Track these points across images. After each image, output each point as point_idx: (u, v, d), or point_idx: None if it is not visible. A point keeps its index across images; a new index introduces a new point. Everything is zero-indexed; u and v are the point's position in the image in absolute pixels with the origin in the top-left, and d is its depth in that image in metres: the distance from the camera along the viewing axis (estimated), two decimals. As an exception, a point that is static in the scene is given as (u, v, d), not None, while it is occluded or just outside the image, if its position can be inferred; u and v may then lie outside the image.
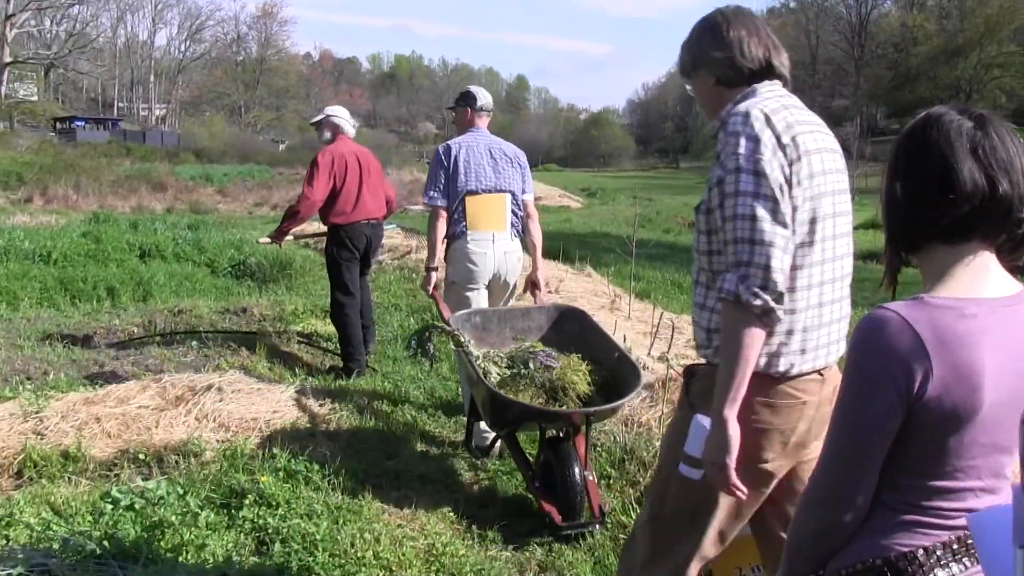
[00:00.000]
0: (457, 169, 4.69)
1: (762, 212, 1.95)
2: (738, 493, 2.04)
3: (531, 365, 3.93)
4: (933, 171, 1.47)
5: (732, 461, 2.00)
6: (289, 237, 6.75)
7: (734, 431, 1.99)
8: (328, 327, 7.16)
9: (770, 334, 2.02)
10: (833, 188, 2.12)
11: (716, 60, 2.20)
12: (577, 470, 3.70)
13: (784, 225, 1.96)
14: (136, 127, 73.01)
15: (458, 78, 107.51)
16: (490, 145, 4.84)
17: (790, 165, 2.00)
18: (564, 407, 3.75)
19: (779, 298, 1.96)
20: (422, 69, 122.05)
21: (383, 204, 6.50)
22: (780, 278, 1.95)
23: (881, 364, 1.40)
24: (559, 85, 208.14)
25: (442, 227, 4.73)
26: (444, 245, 4.84)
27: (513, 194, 4.82)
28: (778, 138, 2.01)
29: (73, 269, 9.68)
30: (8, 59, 65.69)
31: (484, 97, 4.97)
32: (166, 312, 8.21)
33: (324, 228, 6.44)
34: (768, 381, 2.08)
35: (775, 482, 2.18)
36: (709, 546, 2.20)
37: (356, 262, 6.31)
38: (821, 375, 2.14)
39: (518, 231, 4.86)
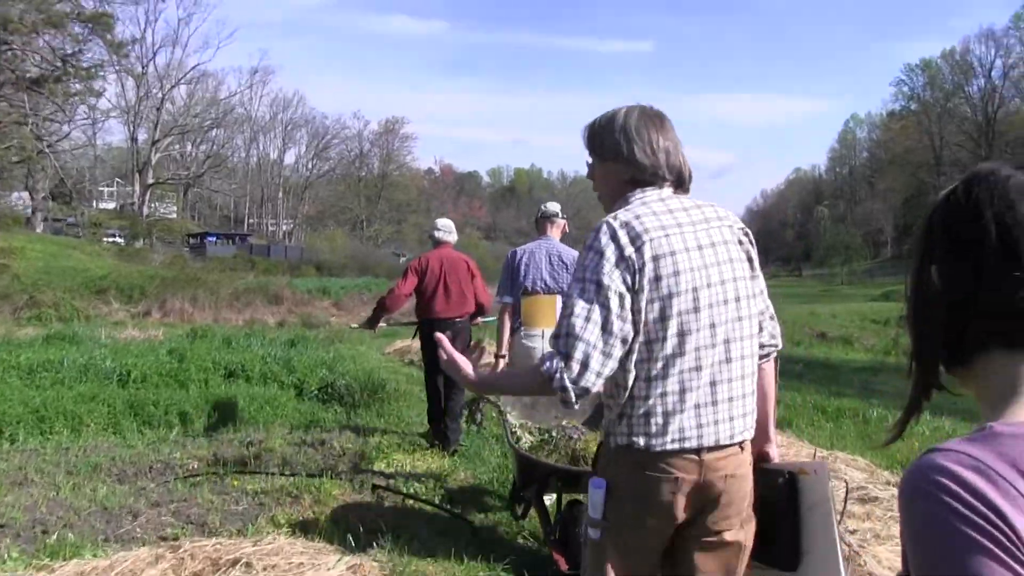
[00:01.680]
0: (519, 271, 5.41)
1: (593, 316, 2.16)
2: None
3: (556, 435, 4.43)
4: (988, 242, 1.01)
5: (454, 372, 2.38)
6: (382, 325, 7.89)
7: (467, 380, 2.37)
8: (415, 462, 6.80)
9: (622, 416, 2.28)
10: (702, 282, 2.24)
11: (639, 164, 2.36)
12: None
13: (609, 332, 2.16)
14: (264, 242, 75.44)
15: (576, 189, 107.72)
16: (550, 250, 5.47)
17: (633, 275, 2.19)
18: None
19: (583, 393, 2.17)
20: (540, 182, 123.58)
21: (464, 305, 7.21)
22: (591, 378, 2.16)
23: (965, 533, 0.89)
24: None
25: (508, 321, 5.51)
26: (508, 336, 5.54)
27: (564, 293, 4.73)
28: (621, 251, 2.20)
29: (147, 391, 8.85)
30: (151, 180, 69.38)
31: (550, 207, 5.75)
32: (236, 443, 7.21)
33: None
34: (636, 455, 2.27)
35: (655, 553, 2.37)
36: None
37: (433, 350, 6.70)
38: (697, 455, 2.25)
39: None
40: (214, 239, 70.37)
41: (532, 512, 4.86)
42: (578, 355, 2.15)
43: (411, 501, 5.60)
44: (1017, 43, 73.82)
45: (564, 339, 2.18)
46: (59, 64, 31.41)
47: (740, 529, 2.36)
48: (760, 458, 2.62)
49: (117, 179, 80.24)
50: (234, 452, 6.89)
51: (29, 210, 56.92)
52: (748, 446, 2.40)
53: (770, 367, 2.61)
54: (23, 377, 9.39)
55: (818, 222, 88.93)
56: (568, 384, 2.16)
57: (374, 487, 5.82)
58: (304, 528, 5.01)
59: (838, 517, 2.61)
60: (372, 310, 7.63)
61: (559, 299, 5.24)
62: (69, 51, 31.24)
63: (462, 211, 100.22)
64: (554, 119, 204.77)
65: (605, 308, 2.17)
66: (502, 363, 5.50)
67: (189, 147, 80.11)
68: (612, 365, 2.20)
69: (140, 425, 8.04)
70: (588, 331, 2.16)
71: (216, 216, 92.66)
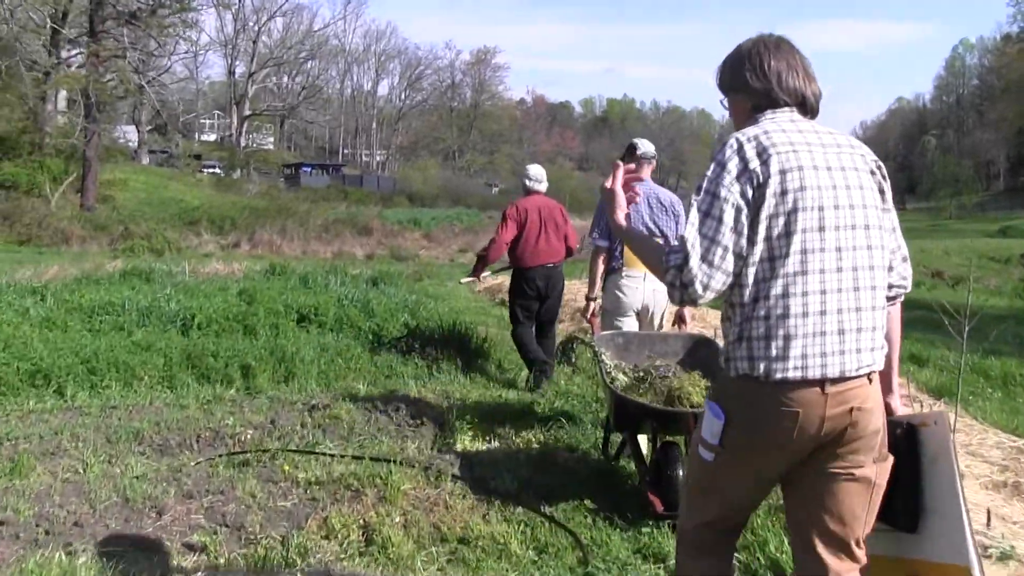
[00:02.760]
0: None
1: (706, 227, 2.16)
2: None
3: (652, 375, 4.41)
4: None
5: (613, 203, 2.50)
6: (486, 274, 7.90)
7: (620, 210, 2.50)
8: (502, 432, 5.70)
9: (740, 338, 2.21)
10: (829, 202, 2.19)
11: (754, 89, 2.36)
12: (681, 470, 3.99)
13: (719, 243, 2.14)
14: (357, 172, 75.26)
15: (669, 120, 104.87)
16: (648, 193, 5.28)
17: (756, 188, 2.16)
18: None
19: (686, 296, 2.18)
20: (633, 112, 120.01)
21: (561, 251, 7.35)
22: (697, 287, 2.15)
23: None
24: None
25: (601, 264, 5.39)
26: (603, 280, 5.44)
27: (666, 239, 5.15)
28: (746, 164, 2.18)
29: (208, 340, 7.86)
30: (248, 112, 69.52)
31: (645, 146, 5.46)
32: (299, 406, 6.15)
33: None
34: (754, 385, 2.19)
35: (770, 482, 2.37)
36: (714, 516, 2.41)
37: (532, 300, 7.26)
38: (820, 388, 2.16)
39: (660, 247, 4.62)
40: (308, 169, 70.54)
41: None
42: (689, 265, 2.15)
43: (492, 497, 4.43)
44: None
45: (679, 244, 2.20)
46: (153, -4, 30.67)
47: (872, 466, 2.26)
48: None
49: (217, 112, 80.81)
50: (294, 420, 5.82)
51: (135, 143, 57.62)
52: (877, 378, 2.28)
53: (896, 310, 2.50)
54: (84, 320, 8.53)
55: (924, 153, 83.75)
56: (677, 287, 2.18)
57: (453, 477, 4.65)
58: (365, 537, 3.90)
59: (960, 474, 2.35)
60: (475, 262, 7.83)
61: (661, 241, 4.98)
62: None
63: (554, 142, 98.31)
64: (647, 49, 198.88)
65: (718, 220, 2.15)
66: (593, 305, 5.52)
67: (285, 79, 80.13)
68: (721, 278, 2.17)
69: (198, 379, 7.04)
70: (700, 242, 2.16)
71: (311, 147, 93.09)
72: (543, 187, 7.41)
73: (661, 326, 5.54)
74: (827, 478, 2.25)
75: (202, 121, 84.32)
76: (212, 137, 79.94)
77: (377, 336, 8.68)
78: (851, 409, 2.18)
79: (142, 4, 29.71)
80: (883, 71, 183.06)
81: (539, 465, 4.98)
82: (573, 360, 7.62)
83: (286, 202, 34.00)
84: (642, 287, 5.33)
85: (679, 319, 5.44)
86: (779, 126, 2.27)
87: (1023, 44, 76.29)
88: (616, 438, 4.93)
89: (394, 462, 4.70)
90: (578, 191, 56.88)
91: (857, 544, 2.28)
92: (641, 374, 4.48)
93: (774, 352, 2.16)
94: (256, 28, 69.70)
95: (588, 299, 5.55)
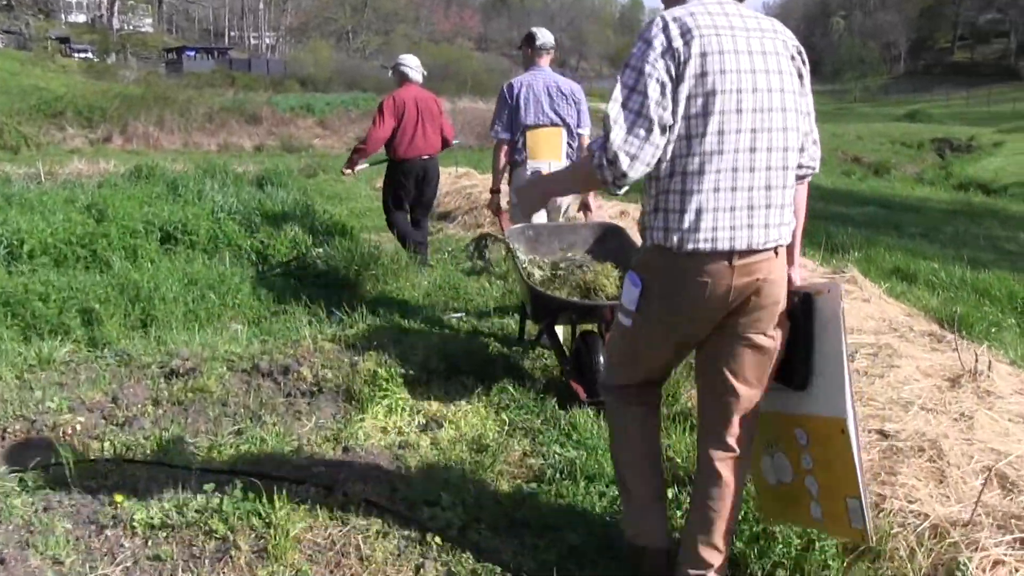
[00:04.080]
0: (519, 105, 5.20)
1: (631, 103, 2.22)
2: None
3: (567, 267, 4.41)
4: None
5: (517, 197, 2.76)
6: (362, 166, 7.60)
7: (529, 189, 2.82)
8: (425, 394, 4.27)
9: (656, 209, 2.34)
10: (747, 85, 2.26)
11: None
12: (602, 358, 3.95)
13: (646, 117, 2.21)
14: (246, 56, 70.79)
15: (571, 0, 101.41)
16: (548, 83, 5.28)
17: (678, 66, 2.22)
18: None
19: (620, 176, 2.24)
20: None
21: (438, 142, 7.23)
22: (626, 161, 2.22)
23: None
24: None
25: (504, 157, 5.34)
26: (506, 172, 5.39)
27: (568, 128, 5.29)
28: (669, 42, 2.23)
29: (40, 275, 6.07)
30: (119, -11, 63.95)
31: (544, 36, 5.41)
32: (154, 371, 4.54)
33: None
34: (668, 255, 2.31)
35: (683, 347, 2.52)
36: (635, 379, 2.62)
37: (408, 190, 7.20)
38: (728, 261, 2.27)
39: (572, 160, 5.24)
40: (192, 54, 65.90)
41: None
42: (615, 139, 2.21)
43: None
44: None
45: (605, 123, 2.25)
46: None
47: (773, 332, 2.42)
48: None
49: (87, -11, 74.30)
50: (144, 394, 4.23)
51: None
52: (783, 252, 2.40)
53: (803, 188, 2.59)
54: None
55: (828, 34, 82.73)
56: (605, 167, 2.24)
57: (367, 503, 3.15)
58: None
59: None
60: (350, 153, 7.54)
61: (563, 131, 5.30)
62: None
63: (453, 21, 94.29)
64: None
65: (643, 95, 2.21)
66: (497, 197, 5.49)
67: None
68: (650, 151, 2.23)
69: (22, 332, 5.33)
70: (625, 117, 2.22)
71: (195, 30, 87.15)
72: (419, 77, 7.28)
73: (568, 216, 5.66)
74: (733, 342, 2.40)
75: (69, 1, 77.68)
76: (82, 18, 73.66)
77: (262, 257, 7.03)
78: (757, 280, 2.32)
79: None
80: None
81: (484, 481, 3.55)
82: (487, 257, 7.39)
83: (165, 89, 30.79)
84: None
85: (584, 206, 5.45)
86: (705, 8, 2.31)
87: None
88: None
89: (284, 490, 3.12)
90: (479, 73, 54.44)
91: (755, 403, 2.48)
92: (557, 270, 4.44)
93: (686, 224, 2.26)
94: None
95: (492, 192, 5.53)
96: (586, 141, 5.33)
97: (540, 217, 5.18)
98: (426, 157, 7.15)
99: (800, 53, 2.43)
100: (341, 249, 6.29)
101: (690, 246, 2.26)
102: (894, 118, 43.47)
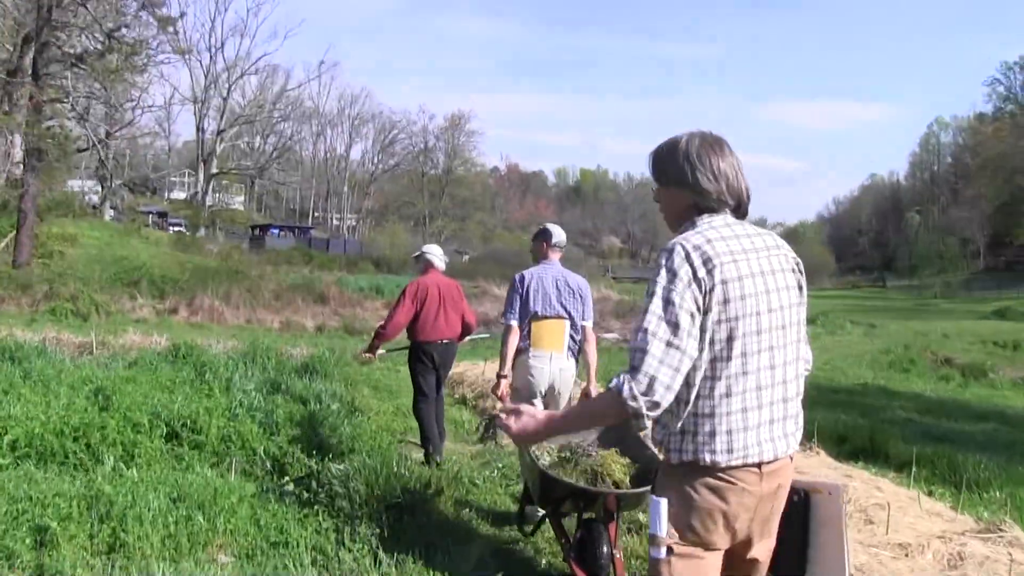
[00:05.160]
0: (528, 296, 5.41)
1: (662, 332, 2.22)
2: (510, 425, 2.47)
3: (577, 452, 4.34)
4: None
5: (516, 427, 2.44)
6: (382, 351, 7.67)
7: (535, 425, 2.45)
8: None
9: (684, 433, 2.34)
10: (764, 307, 2.34)
11: (703, 190, 2.43)
12: (606, 547, 4.17)
13: (678, 348, 2.21)
14: (326, 235, 72.76)
15: (643, 191, 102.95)
16: (556, 277, 5.51)
17: (704, 296, 2.27)
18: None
19: (653, 407, 2.21)
20: (607, 183, 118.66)
21: (457, 327, 7.26)
22: (660, 391, 2.20)
23: None
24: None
25: (513, 342, 5.44)
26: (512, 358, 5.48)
27: (572, 321, 5.46)
28: (694, 272, 2.27)
29: (14, 472, 5.08)
30: (215, 170, 66.89)
31: (559, 235, 5.69)
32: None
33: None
34: (700, 470, 2.32)
35: (720, 555, 2.41)
36: None
37: (431, 371, 7.15)
38: (758, 469, 2.34)
39: (574, 352, 5.49)
40: (277, 231, 68.07)
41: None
42: (648, 368, 2.20)
43: None
44: None
45: (636, 353, 2.24)
46: (104, 40, 28.02)
47: (769, 540, 2.49)
48: None
49: (188, 170, 78.18)
50: None
51: (97, 199, 54.59)
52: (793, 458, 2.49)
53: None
54: None
55: (911, 229, 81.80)
56: (639, 397, 2.20)
57: None
58: None
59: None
60: (371, 338, 7.50)
61: (567, 323, 5.46)
62: (113, 25, 27.79)
63: (528, 210, 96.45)
64: (623, 121, 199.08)
65: (675, 325, 2.23)
66: (504, 383, 5.46)
67: (257, 140, 77.75)
68: (679, 380, 2.24)
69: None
70: (658, 347, 2.21)
71: (282, 209, 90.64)
72: (442, 265, 7.45)
73: (568, 404, 5.56)
74: (747, 550, 2.44)
75: (172, 180, 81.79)
76: (183, 195, 77.18)
77: (278, 466, 5.96)
78: (779, 485, 2.43)
79: (90, 46, 27.07)
80: (859, 150, 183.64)
81: None
82: (494, 439, 7.20)
83: (239, 263, 31.05)
84: (548, 367, 5.45)
85: (584, 396, 5.24)
86: (718, 233, 2.38)
87: (998, 123, 75.93)
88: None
89: None
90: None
91: None
92: (565, 453, 4.42)
93: (719, 446, 2.30)
94: (227, 85, 67.41)
95: (499, 376, 5.54)
96: (590, 332, 5.59)
97: (540, 404, 5.34)
98: (446, 341, 7.21)
99: (798, 264, 2.52)
100: (365, 469, 5.16)
101: (723, 463, 2.31)
102: (980, 316, 41.47)
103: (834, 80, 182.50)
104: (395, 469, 5.29)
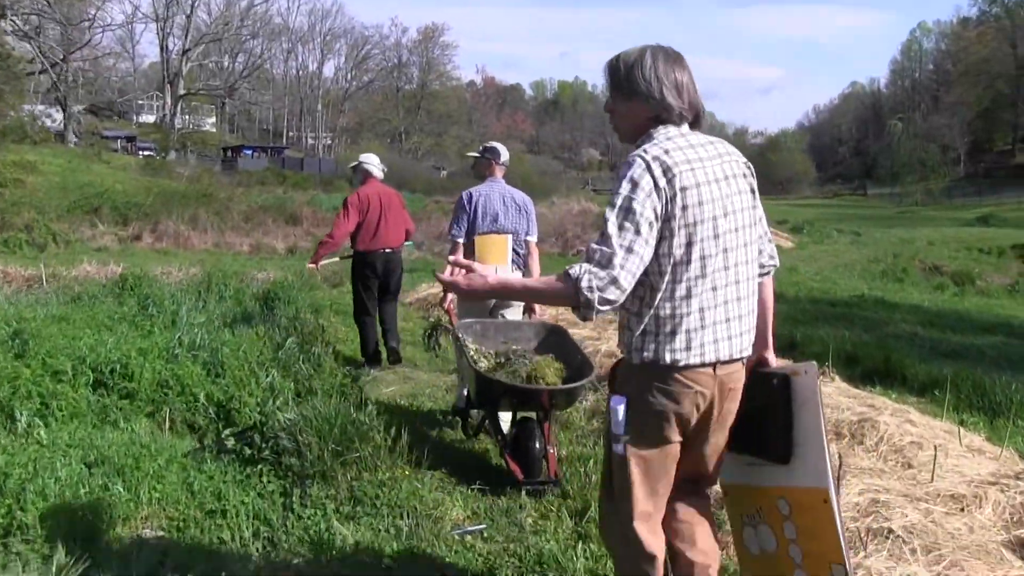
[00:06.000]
0: (476, 213, 5.51)
1: (624, 238, 2.30)
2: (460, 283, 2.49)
3: (511, 358, 4.57)
4: None
5: (465, 282, 2.47)
6: (328, 260, 7.77)
7: (483, 284, 2.48)
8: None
9: (646, 333, 2.44)
10: (721, 211, 2.43)
11: (666, 104, 2.48)
12: (539, 443, 4.41)
13: (635, 253, 2.30)
14: (301, 155, 70.95)
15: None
16: (503, 193, 5.61)
17: (664, 204, 2.35)
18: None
19: (606, 303, 2.28)
20: (585, 95, 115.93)
21: (401, 235, 7.44)
22: (615, 292, 2.28)
23: None
24: (725, 108, 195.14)
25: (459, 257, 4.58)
26: None
27: (516, 235, 5.57)
28: (655, 181, 2.35)
29: None
30: (182, 91, 64.58)
31: (504, 153, 5.80)
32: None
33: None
34: (660, 370, 2.44)
35: (675, 452, 2.55)
36: (642, 506, 2.56)
37: (373, 280, 7.30)
38: (713, 369, 2.46)
39: (519, 265, 5.60)
40: (250, 152, 66.19)
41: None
42: (610, 269, 2.28)
43: None
44: None
45: (597, 252, 2.31)
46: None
47: (723, 433, 2.62)
48: (759, 363, 2.75)
49: (156, 92, 75.53)
50: None
51: (61, 125, 52.53)
52: (746, 362, 2.60)
53: (769, 282, 2.79)
54: None
55: (892, 137, 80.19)
56: (595, 290, 2.27)
57: None
58: None
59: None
60: (316, 247, 7.68)
61: (510, 238, 5.53)
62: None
63: (505, 124, 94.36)
64: (602, 33, 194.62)
65: (636, 232, 2.31)
66: (450, 296, 5.61)
67: (226, 59, 75.04)
68: (632, 283, 2.33)
69: None
70: (620, 251, 2.29)
71: (255, 130, 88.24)
72: (380, 174, 7.43)
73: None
74: (702, 443, 2.58)
75: (140, 103, 79.18)
76: (152, 119, 74.75)
77: (224, 414, 5.14)
78: (730, 388, 2.54)
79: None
80: (839, 57, 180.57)
81: None
82: (437, 347, 7.68)
83: (207, 186, 29.71)
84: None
85: (529, 309, 5.63)
86: (675, 144, 2.44)
87: (982, 27, 74.23)
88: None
89: None
90: (531, 175, 53.34)
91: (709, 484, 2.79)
92: (501, 359, 4.60)
93: (679, 344, 2.41)
94: (191, 1, 64.64)
95: (445, 289, 5.49)
96: (534, 247, 5.69)
97: (486, 315, 5.50)
98: (389, 250, 7.29)
99: (750, 169, 2.60)
100: (317, 418, 4.34)
101: (683, 362, 2.42)
102: (963, 223, 40.79)
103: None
104: (352, 415, 4.46)
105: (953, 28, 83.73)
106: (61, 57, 50.85)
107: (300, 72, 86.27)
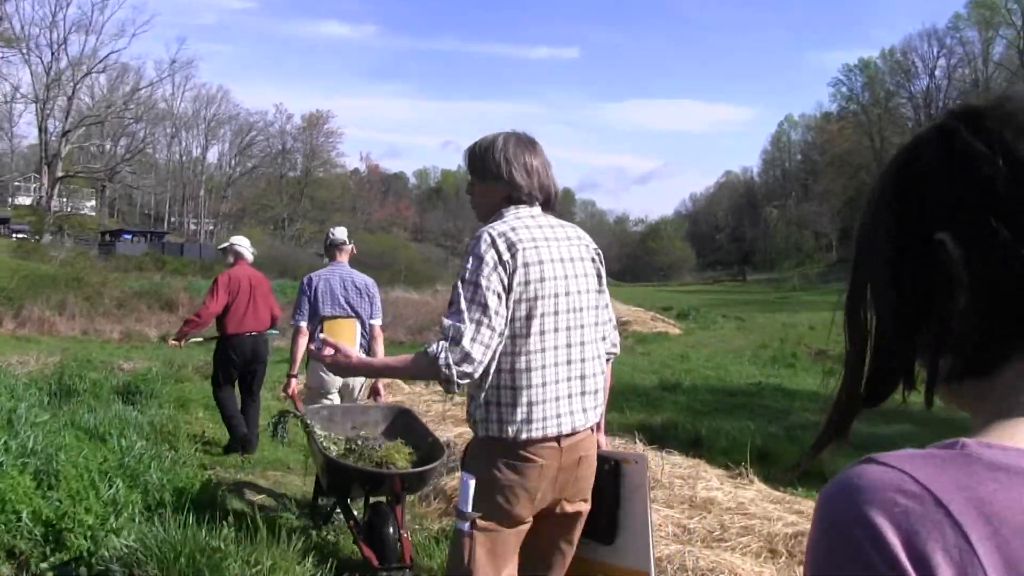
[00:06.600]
0: (316, 297, 5.46)
1: (473, 312, 2.33)
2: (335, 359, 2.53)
3: (361, 444, 4.46)
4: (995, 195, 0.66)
5: (331, 360, 2.50)
6: (196, 339, 7.82)
7: (347, 364, 2.51)
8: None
9: (497, 405, 2.43)
10: (562, 290, 2.47)
11: (516, 184, 2.57)
12: (392, 528, 4.26)
13: (487, 326, 2.33)
14: (183, 240, 68.61)
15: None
16: (344, 277, 5.57)
17: (508, 277, 2.39)
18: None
19: (464, 377, 2.32)
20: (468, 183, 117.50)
21: (266, 320, 7.24)
22: (472, 365, 2.31)
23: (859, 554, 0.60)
24: (605, 197, 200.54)
25: (302, 343, 5.52)
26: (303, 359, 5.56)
27: (361, 319, 5.52)
28: (499, 256, 2.40)
29: None
30: (60, 173, 61.76)
31: (339, 235, 5.80)
32: None
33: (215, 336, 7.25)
34: (504, 445, 2.43)
35: (524, 529, 2.52)
36: None
37: (235, 366, 7.10)
38: (557, 443, 2.45)
39: (365, 350, 5.45)
40: (130, 236, 63.51)
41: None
42: (463, 344, 2.30)
43: None
44: (958, 43, 70.75)
45: (450, 329, 2.34)
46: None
47: (583, 501, 2.62)
48: None
49: (34, 174, 72.06)
50: None
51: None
52: (595, 430, 2.64)
53: (608, 367, 2.76)
54: None
55: (769, 223, 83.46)
56: (453, 368, 2.30)
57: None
58: None
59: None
60: (181, 325, 7.48)
61: (357, 323, 5.50)
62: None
63: (389, 211, 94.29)
64: (483, 124, 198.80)
65: (483, 306, 2.34)
66: (294, 382, 5.57)
67: (108, 143, 72.47)
68: (488, 355, 2.35)
69: None
70: (470, 326, 2.32)
71: (136, 214, 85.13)
72: (250, 256, 7.34)
73: (356, 399, 5.59)
74: (561, 515, 2.58)
75: (16, 184, 75.31)
76: (28, 200, 71.06)
77: (54, 535, 4.28)
78: (580, 457, 2.53)
79: None
80: (713, 148, 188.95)
81: None
82: (284, 435, 7.09)
83: (80, 271, 27.97)
84: None
85: (374, 392, 5.56)
86: (523, 222, 2.51)
87: (843, 122, 78.69)
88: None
89: None
90: (414, 261, 52.91)
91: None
92: (351, 445, 4.49)
93: (519, 416, 2.41)
94: (72, 83, 62.42)
95: (289, 376, 5.62)
96: (377, 331, 5.61)
97: (336, 400, 5.52)
98: (255, 334, 7.14)
99: (598, 255, 2.69)
100: (161, 546, 3.56)
101: (524, 436, 2.41)
102: (840, 306, 42.28)
103: (687, 82, 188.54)
104: (204, 542, 3.72)
105: (817, 121, 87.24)
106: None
107: (183, 157, 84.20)
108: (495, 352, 2.36)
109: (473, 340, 2.30)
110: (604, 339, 2.67)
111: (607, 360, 2.71)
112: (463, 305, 2.33)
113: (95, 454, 5.23)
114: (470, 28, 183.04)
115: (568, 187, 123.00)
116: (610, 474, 2.72)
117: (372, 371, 2.76)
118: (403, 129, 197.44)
